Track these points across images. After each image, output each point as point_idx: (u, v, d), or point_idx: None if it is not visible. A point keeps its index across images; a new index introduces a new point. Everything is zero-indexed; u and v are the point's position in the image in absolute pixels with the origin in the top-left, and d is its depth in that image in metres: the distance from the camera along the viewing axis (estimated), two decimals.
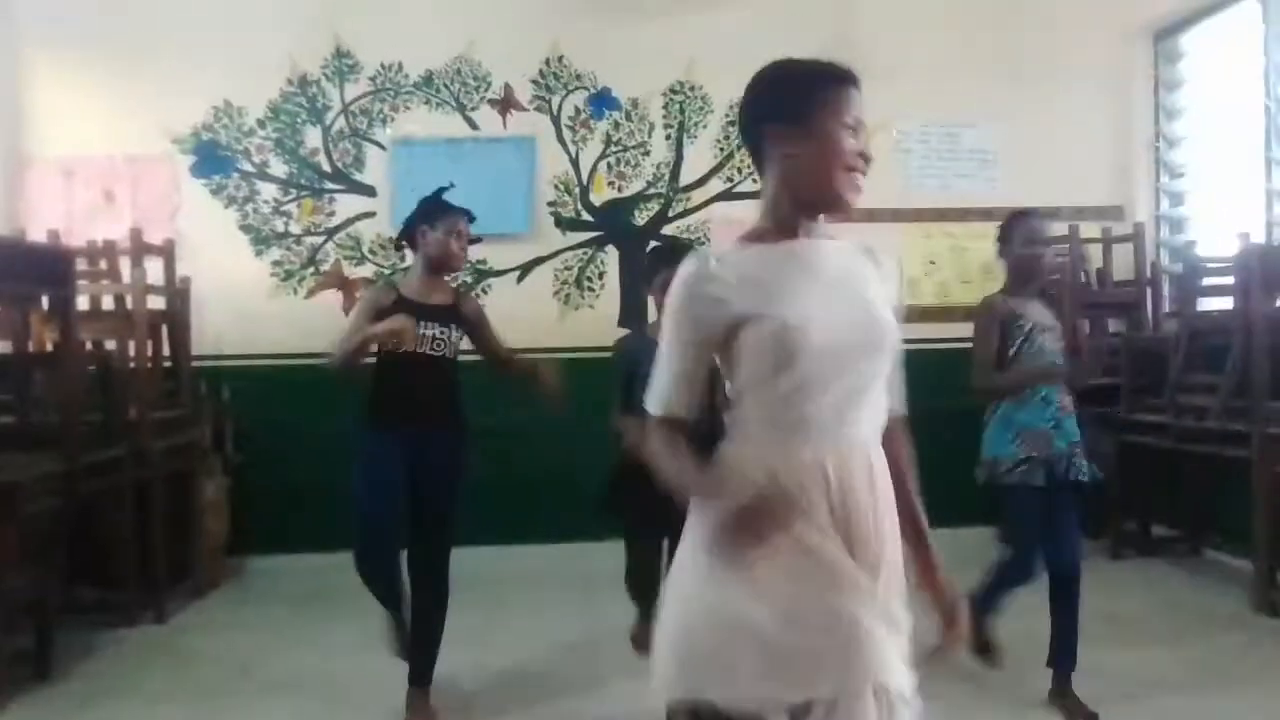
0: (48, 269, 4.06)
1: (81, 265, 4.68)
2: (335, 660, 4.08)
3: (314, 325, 5.55)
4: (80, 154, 5.54)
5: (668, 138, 5.90)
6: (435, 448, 3.41)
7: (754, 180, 5.76)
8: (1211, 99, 5.69)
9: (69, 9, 5.50)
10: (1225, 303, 4.76)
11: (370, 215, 5.73)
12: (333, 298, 5.71)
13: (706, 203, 5.88)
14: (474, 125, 5.79)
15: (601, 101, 5.86)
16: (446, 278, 3.62)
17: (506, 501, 5.22)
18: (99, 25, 5.52)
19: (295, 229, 5.71)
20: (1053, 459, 3.35)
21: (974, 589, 3.42)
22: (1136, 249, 5.68)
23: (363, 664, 3.97)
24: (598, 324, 5.67)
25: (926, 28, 5.95)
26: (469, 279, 5.58)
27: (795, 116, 1.63)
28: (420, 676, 3.44)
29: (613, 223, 5.87)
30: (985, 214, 5.76)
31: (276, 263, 5.69)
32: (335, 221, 5.73)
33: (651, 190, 5.89)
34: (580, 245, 5.84)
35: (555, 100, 5.84)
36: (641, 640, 3.60)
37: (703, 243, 5.82)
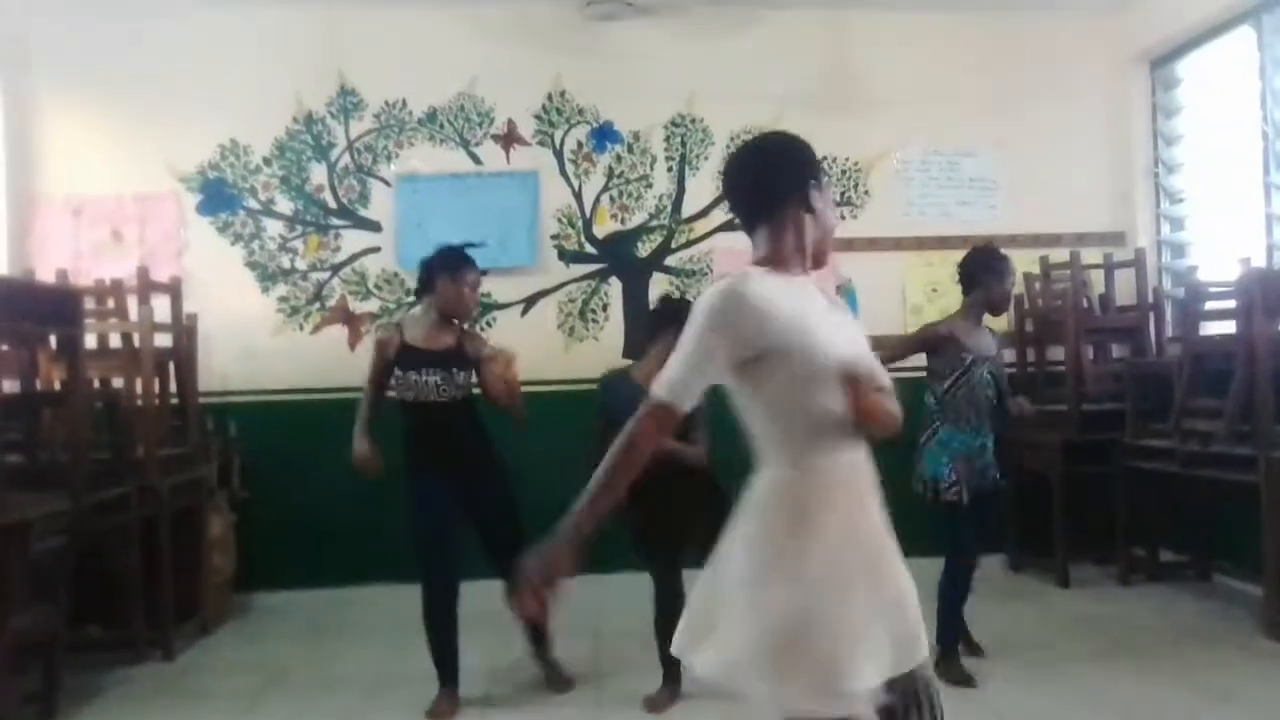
0: (55, 308, 4.08)
1: (89, 304, 4.71)
2: (344, 696, 4.05)
3: (320, 361, 5.60)
4: (88, 193, 5.59)
5: (669, 170, 5.95)
6: (473, 479, 3.66)
7: None
8: (1209, 124, 5.72)
9: (77, 50, 5.57)
10: (1228, 327, 4.76)
11: (375, 250, 5.77)
12: (338, 333, 5.73)
13: (709, 234, 5.91)
14: (477, 160, 5.84)
15: (603, 135, 5.91)
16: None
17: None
18: (107, 66, 5.59)
19: (301, 265, 5.74)
20: (974, 477, 3.81)
21: (936, 620, 3.72)
22: (1138, 274, 5.69)
23: (372, 699, 3.96)
24: (602, 355, 5.68)
25: (925, 57, 6.01)
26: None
27: (821, 181, 1.92)
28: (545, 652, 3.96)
29: (616, 255, 5.90)
30: (986, 241, 5.78)
31: (283, 299, 5.72)
32: (341, 257, 5.77)
33: (654, 222, 5.93)
34: (584, 277, 5.87)
35: (558, 135, 5.89)
36: (659, 705, 3.62)
37: (705, 274, 5.86)
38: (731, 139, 5.82)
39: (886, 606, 1.76)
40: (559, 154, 5.89)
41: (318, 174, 5.77)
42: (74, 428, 4.03)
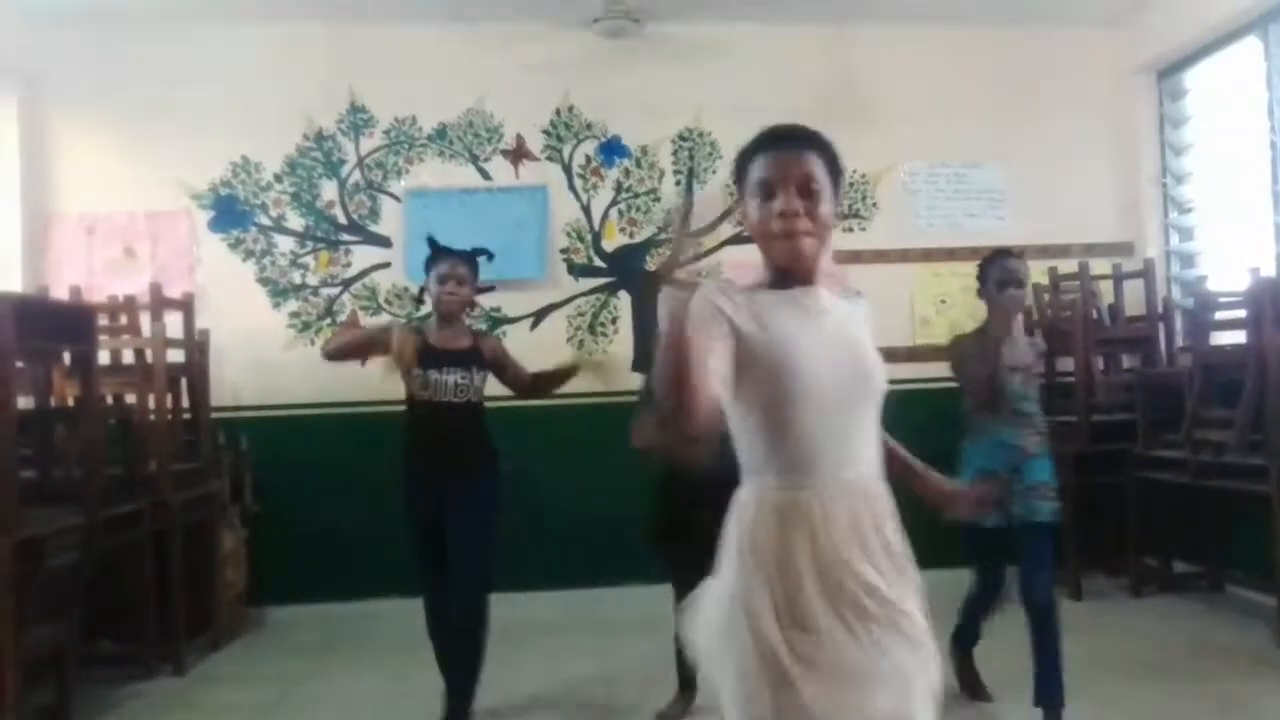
0: (69, 325, 4.12)
1: (102, 320, 4.75)
2: (355, 712, 4.06)
3: (331, 376, 5.60)
4: (101, 211, 5.64)
5: (677, 183, 5.97)
6: (465, 487, 3.55)
7: None
8: (1217, 134, 5.73)
9: (91, 71, 5.63)
10: (1238, 337, 4.76)
11: (385, 266, 5.80)
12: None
13: (717, 247, 5.92)
14: (487, 175, 5.87)
15: (612, 149, 5.94)
16: (461, 322, 3.72)
17: (521, 547, 5.21)
18: (119, 86, 5.64)
19: (312, 280, 5.78)
20: (1005, 501, 3.42)
21: (953, 629, 3.65)
22: (1147, 285, 5.68)
23: (384, 714, 3.96)
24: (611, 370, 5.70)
25: (931, 70, 6.03)
26: (483, 325, 5.62)
27: (739, 194, 1.79)
28: (454, 711, 3.59)
29: (625, 268, 5.92)
30: (1008, 248, 5.80)
31: (294, 314, 5.75)
32: (351, 272, 5.80)
33: (662, 235, 5.95)
34: (593, 291, 5.89)
35: (566, 149, 5.92)
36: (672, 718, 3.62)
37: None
38: (738, 153, 5.83)
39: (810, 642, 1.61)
40: (568, 169, 5.92)
41: (328, 190, 5.81)
42: (87, 443, 4.06)
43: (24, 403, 4.40)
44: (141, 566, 4.44)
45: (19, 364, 4.29)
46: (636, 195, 5.95)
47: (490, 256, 3.81)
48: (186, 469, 4.85)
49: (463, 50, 5.82)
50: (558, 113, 5.92)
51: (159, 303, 4.82)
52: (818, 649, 1.60)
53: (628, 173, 5.95)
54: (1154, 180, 6.09)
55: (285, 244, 5.78)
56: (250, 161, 5.75)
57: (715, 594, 1.73)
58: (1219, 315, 4.98)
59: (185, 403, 5.10)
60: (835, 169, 1.80)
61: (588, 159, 5.93)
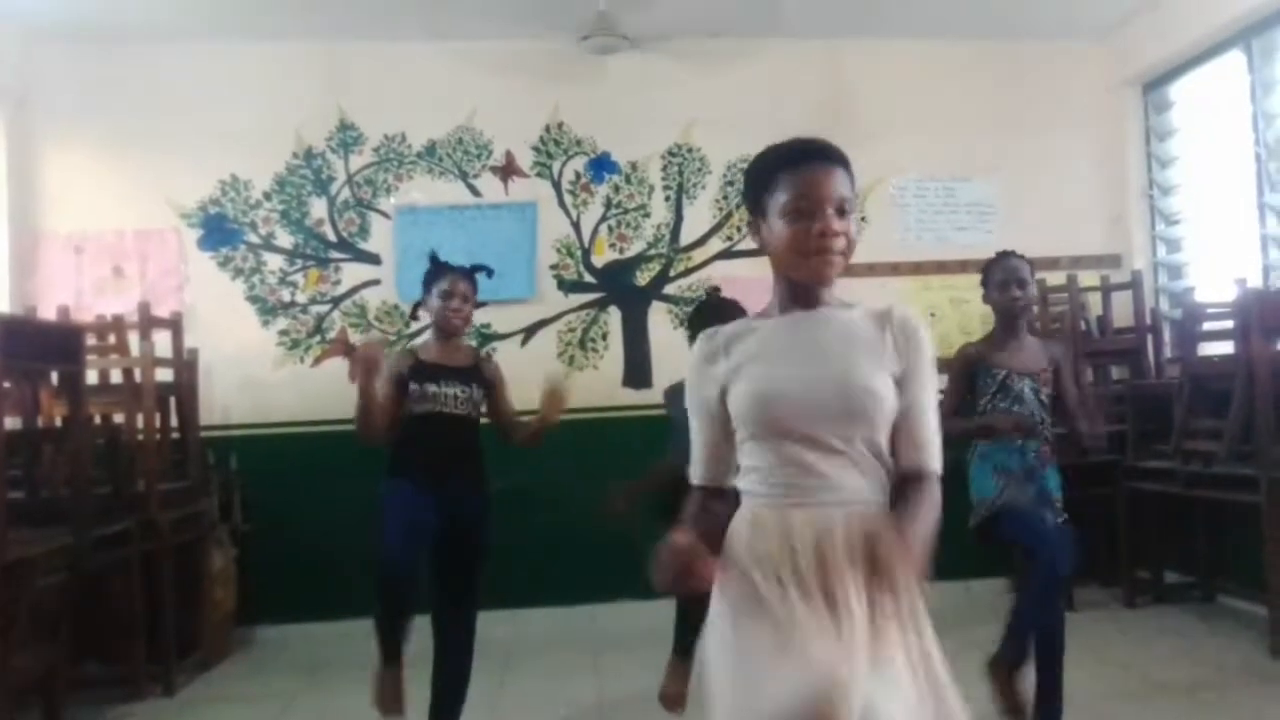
0: (57, 345, 4.10)
1: (90, 340, 4.73)
2: None
3: (321, 393, 5.61)
4: (90, 230, 5.62)
5: (667, 199, 5.98)
6: (463, 509, 3.42)
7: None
8: (1203, 147, 5.77)
9: (78, 88, 5.62)
10: (1226, 347, 4.78)
11: (375, 283, 5.79)
12: (339, 365, 5.74)
13: (707, 262, 5.94)
14: (476, 192, 5.88)
15: (601, 165, 5.95)
16: (461, 339, 3.67)
17: (513, 565, 5.20)
18: (108, 104, 5.64)
19: (301, 298, 5.77)
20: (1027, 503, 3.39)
21: (998, 647, 3.37)
22: (1135, 296, 5.71)
23: None
24: (602, 385, 5.71)
25: (919, 85, 6.06)
26: (474, 342, 5.61)
27: (755, 208, 1.76)
28: None
29: (615, 284, 5.92)
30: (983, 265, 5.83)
31: (283, 332, 5.74)
32: (341, 290, 5.79)
33: (652, 251, 5.96)
34: (583, 307, 5.89)
35: (556, 166, 5.93)
36: (672, 692, 3.53)
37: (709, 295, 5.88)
38: (728, 168, 5.87)
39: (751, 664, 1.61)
40: (557, 185, 5.93)
41: (318, 208, 5.81)
42: (75, 464, 4.04)
43: (11, 423, 4.37)
44: (130, 587, 4.41)
45: (6, 384, 4.28)
46: (626, 211, 5.96)
47: (490, 273, 3.72)
48: (175, 488, 4.82)
49: (452, 67, 5.84)
50: (547, 129, 5.93)
51: (147, 322, 4.81)
52: (776, 651, 1.59)
53: (617, 188, 5.96)
54: (1141, 193, 6.13)
55: (274, 262, 5.77)
56: (239, 180, 5.75)
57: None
58: (1207, 326, 5.00)
59: (174, 422, 5.07)
60: (854, 185, 1.80)
61: (577, 175, 5.94)
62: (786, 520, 1.67)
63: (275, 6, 5.34)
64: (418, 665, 3.62)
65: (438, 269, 3.56)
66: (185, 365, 5.12)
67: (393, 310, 5.76)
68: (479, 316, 5.39)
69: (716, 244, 5.95)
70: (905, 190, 6.09)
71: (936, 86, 6.08)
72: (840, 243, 1.70)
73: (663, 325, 5.84)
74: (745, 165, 1.89)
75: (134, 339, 4.85)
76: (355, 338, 5.74)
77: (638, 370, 5.76)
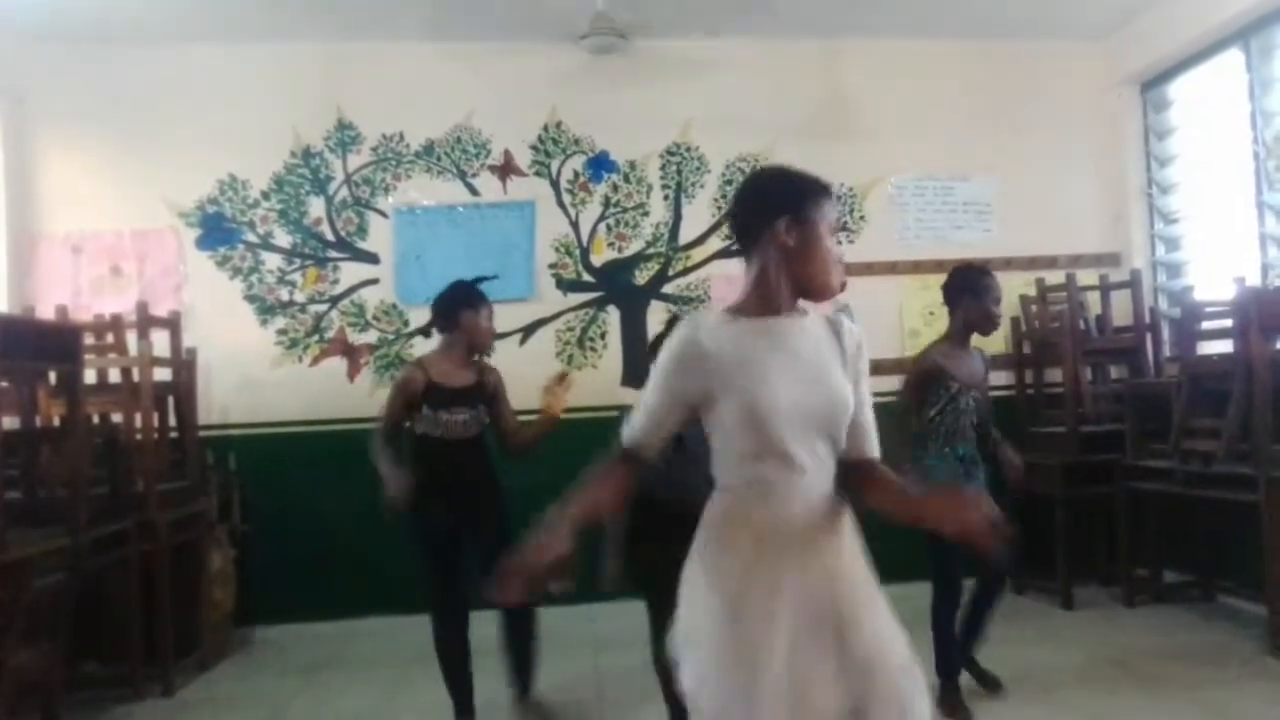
0: (55, 345, 4.09)
1: (88, 339, 4.72)
2: None
3: (319, 393, 5.62)
4: (88, 229, 5.62)
5: (665, 198, 5.98)
6: (481, 516, 3.65)
7: None
8: (1201, 145, 5.76)
9: (76, 88, 5.62)
10: (1225, 346, 4.77)
11: (374, 282, 5.79)
12: (338, 365, 5.74)
13: (705, 260, 5.94)
14: (474, 191, 5.87)
15: (599, 164, 5.95)
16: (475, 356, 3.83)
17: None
18: (106, 104, 5.64)
19: (300, 298, 5.76)
20: None
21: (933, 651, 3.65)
22: (1134, 295, 5.71)
23: None
24: (601, 384, 5.70)
25: (918, 84, 6.06)
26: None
27: (799, 216, 1.88)
28: (526, 687, 3.80)
29: (613, 283, 5.92)
30: (982, 264, 5.82)
31: (281, 331, 5.73)
32: (339, 289, 5.79)
33: (651, 250, 5.95)
34: (582, 306, 5.89)
35: (554, 165, 5.93)
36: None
37: (704, 300, 5.88)
38: (727, 167, 5.87)
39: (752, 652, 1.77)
40: (555, 184, 5.92)
41: (316, 207, 5.80)
42: (73, 463, 4.03)
43: (9, 423, 4.37)
44: (128, 587, 4.40)
45: (4, 384, 4.28)
46: (625, 210, 5.95)
47: (494, 278, 3.96)
48: (174, 488, 4.81)
49: (450, 67, 5.83)
50: (545, 128, 5.93)
51: (145, 321, 4.80)
52: (748, 649, 1.76)
53: (616, 188, 5.96)
54: (1140, 191, 6.13)
55: (273, 261, 5.76)
56: (237, 179, 5.74)
57: (683, 602, 1.90)
58: (1206, 325, 5.00)
59: (172, 421, 5.07)
60: None
61: (576, 174, 5.94)
62: (767, 521, 1.83)
63: (273, 6, 5.33)
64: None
65: (481, 291, 3.75)
66: (183, 365, 5.11)
67: (391, 310, 5.76)
68: None
69: (715, 243, 5.94)
70: (904, 189, 6.09)
71: (935, 85, 6.08)
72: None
73: (661, 324, 5.83)
74: (745, 164, 2.04)
75: (132, 338, 4.84)
76: (354, 337, 5.73)
77: (636, 369, 5.75)
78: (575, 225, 5.93)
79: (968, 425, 3.72)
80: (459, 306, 3.71)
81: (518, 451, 3.83)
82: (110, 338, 4.97)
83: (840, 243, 1.96)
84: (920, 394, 3.71)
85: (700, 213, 5.96)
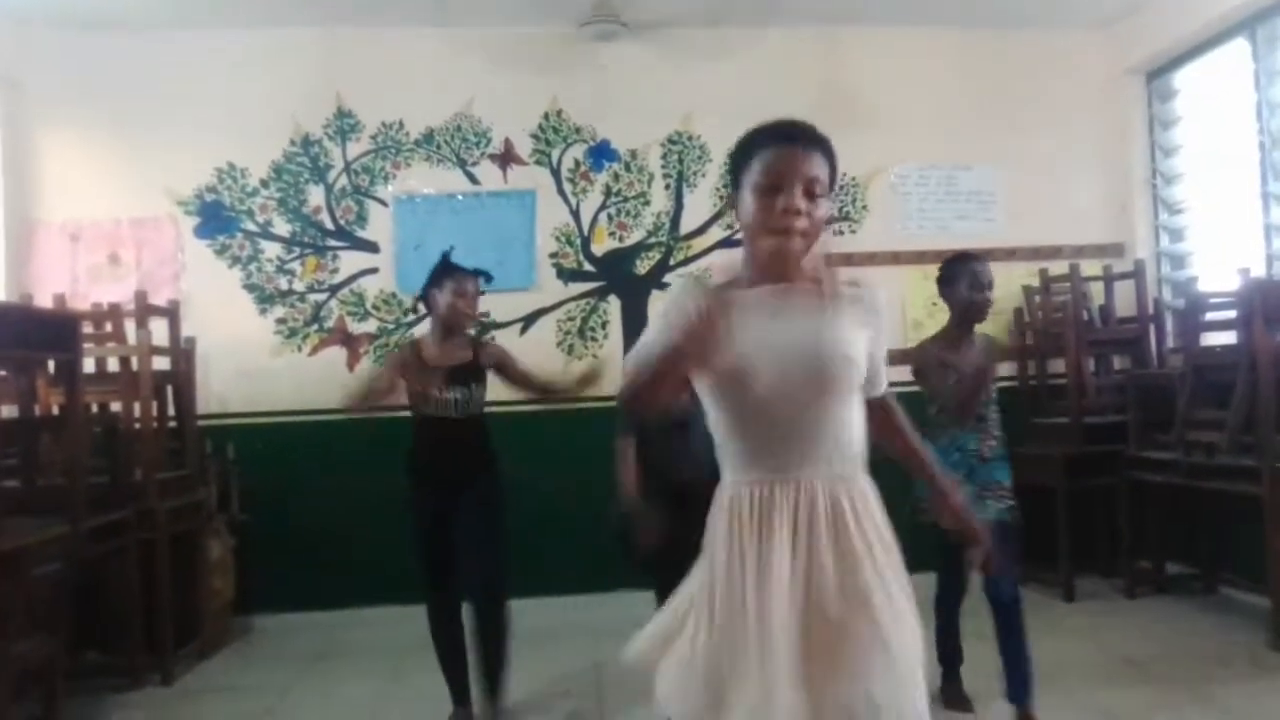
0: (54, 333, 4.07)
1: (87, 328, 4.70)
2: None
3: (318, 382, 5.58)
4: (85, 218, 5.59)
5: (667, 187, 5.95)
6: (470, 495, 3.64)
7: None
8: (1206, 136, 5.73)
9: (74, 76, 5.58)
10: (1229, 337, 4.76)
11: (373, 271, 5.76)
12: (337, 354, 5.72)
13: (707, 250, 5.91)
14: (475, 180, 5.84)
15: (600, 153, 5.91)
16: (464, 333, 3.83)
17: (513, 554, 5.18)
18: (103, 91, 5.60)
19: (299, 286, 5.74)
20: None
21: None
22: (1138, 286, 5.69)
23: None
24: (602, 374, 5.67)
25: (921, 73, 6.02)
26: (472, 331, 5.58)
27: (734, 184, 1.80)
28: (493, 690, 3.73)
29: (614, 272, 5.89)
30: (985, 254, 5.73)
31: (280, 320, 5.71)
32: (338, 278, 5.76)
33: (652, 239, 5.93)
34: (582, 295, 5.86)
35: (555, 153, 5.89)
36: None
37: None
38: (729, 156, 5.83)
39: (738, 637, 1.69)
40: (556, 173, 5.89)
41: (315, 196, 5.77)
42: (72, 452, 4.02)
43: (8, 412, 4.37)
44: (127, 576, 4.40)
45: (2, 373, 4.26)
46: (626, 199, 5.92)
47: (489, 278, 3.92)
48: (173, 477, 4.81)
49: (450, 54, 5.80)
50: (546, 117, 5.89)
51: (144, 310, 4.77)
52: (749, 635, 1.67)
53: (617, 176, 5.93)
54: (1144, 181, 6.10)
55: (272, 250, 5.73)
56: (236, 167, 5.71)
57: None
58: (1210, 316, 4.98)
59: (171, 410, 5.06)
60: (834, 172, 1.82)
61: (576, 163, 5.91)
62: (770, 501, 1.72)
63: None
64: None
65: (448, 268, 3.73)
66: (182, 354, 5.10)
67: (390, 299, 5.73)
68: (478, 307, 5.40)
69: (717, 232, 5.91)
70: (907, 179, 6.06)
71: (938, 74, 6.05)
72: (801, 222, 1.73)
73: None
74: None
75: (130, 327, 4.82)
76: (353, 326, 5.71)
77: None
78: (576, 214, 5.90)
79: (978, 416, 3.61)
80: (428, 286, 3.75)
81: (532, 389, 3.86)
82: (109, 326, 4.95)
83: (815, 203, 1.76)
84: (923, 385, 3.67)
85: (702, 202, 5.93)
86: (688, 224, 5.93)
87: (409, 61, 5.79)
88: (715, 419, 1.81)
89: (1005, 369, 5.97)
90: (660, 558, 3.48)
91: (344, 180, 5.79)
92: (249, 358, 5.61)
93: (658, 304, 5.82)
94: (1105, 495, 5.36)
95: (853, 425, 1.79)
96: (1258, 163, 5.21)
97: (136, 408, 4.66)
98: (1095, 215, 6.14)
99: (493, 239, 5.73)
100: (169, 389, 5.03)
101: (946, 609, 3.74)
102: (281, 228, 5.75)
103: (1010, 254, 5.95)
